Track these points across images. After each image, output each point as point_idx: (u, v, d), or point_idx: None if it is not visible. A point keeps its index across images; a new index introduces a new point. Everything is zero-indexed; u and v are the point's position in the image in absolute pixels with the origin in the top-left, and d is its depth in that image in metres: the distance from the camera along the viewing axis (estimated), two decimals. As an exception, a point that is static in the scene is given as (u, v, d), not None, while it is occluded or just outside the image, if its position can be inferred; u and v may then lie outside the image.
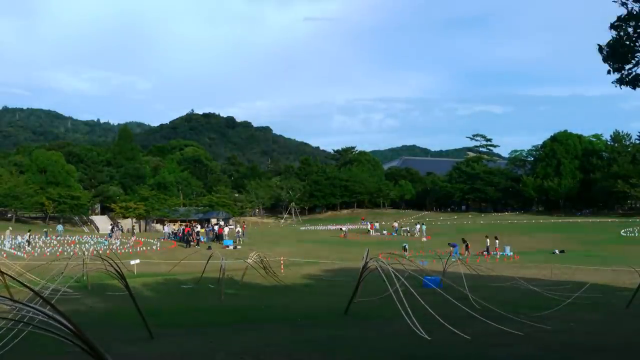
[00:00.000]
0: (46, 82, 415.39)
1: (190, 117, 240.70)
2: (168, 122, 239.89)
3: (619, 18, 7.36)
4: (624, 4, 7.18)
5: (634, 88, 7.47)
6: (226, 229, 46.83)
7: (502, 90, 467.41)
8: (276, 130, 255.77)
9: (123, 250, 34.48)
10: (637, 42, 7.24)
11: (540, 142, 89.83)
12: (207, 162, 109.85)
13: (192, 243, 39.85)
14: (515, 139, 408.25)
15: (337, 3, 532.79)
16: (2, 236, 37.91)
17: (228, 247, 39.77)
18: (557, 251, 35.61)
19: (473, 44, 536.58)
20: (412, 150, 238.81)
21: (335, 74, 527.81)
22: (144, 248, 36.92)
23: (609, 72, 7.57)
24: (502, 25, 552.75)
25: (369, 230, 56.91)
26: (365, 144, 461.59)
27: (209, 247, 36.76)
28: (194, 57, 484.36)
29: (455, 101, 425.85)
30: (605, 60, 7.51)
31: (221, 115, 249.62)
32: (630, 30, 7.25)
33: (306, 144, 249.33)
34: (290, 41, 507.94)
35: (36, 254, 31.52)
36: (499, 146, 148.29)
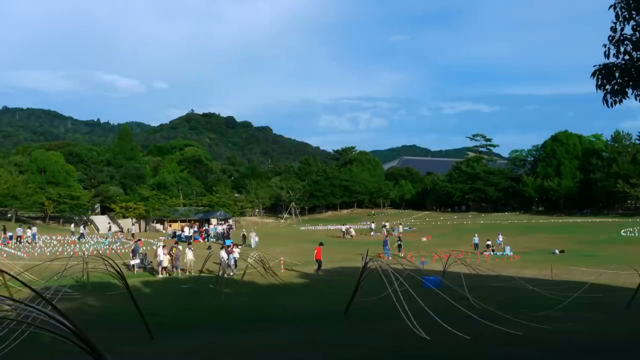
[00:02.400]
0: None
1: (190, 117, 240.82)
2: (168, 122, 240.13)
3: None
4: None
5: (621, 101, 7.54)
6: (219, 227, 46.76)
7: (487, 89, 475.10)
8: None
9: (123, 250, 34.48)
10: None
11: (536, 142, 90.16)
12: (207, 162, 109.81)
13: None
14: (505, 137, 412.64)
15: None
16: None
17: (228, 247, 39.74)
18: (557, 251, 35.59)
19: (448, 41, 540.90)
20: (412, 150, 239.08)
21: (310, 72, 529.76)
22: (144, 248, 36.87)
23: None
24: (477, 23, 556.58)
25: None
26: (364, 143, 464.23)
27: (209, 247, 36.75)
28: (159, 55, 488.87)
29: (439, 100, 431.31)
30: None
31: (221, 115, 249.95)
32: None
33: (306, 144, 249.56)
34: (255, 37, 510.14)
35: (36, 254, 31.53)
36: (498, 146, 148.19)
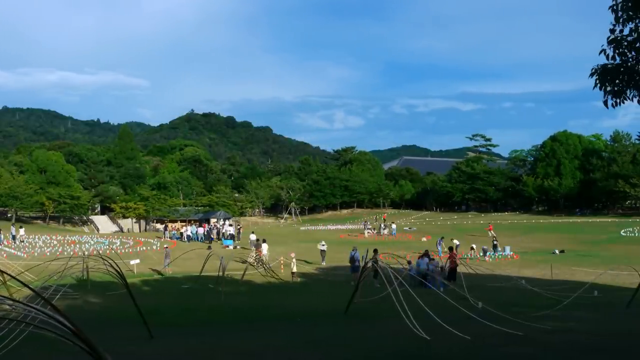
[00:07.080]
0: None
1: (190, 117, 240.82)
2: (168, 122, 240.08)
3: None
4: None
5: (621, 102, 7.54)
6: (229, 229, 46.71)
7: (457, 88, 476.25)
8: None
9: (123, 250, 34.48)
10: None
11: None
12: (207, 162, 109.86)
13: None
14: (491, 134, 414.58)
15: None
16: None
17: (228, 247, 39.77)
18: (557, 251, 35.58)
19: (390, 36, 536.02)
20: (412, 150, 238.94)
21: (254, 67, 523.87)
22: (144, 248, 36.91)
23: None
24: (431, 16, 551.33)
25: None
26: (363, 141, 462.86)
27: (209, 247, 36.75)
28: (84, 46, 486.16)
29: (413, 97, 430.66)
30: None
31: (221, 115, 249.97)
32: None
33: (306, 144, 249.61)
34: (180, 28, 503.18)
35: (36, 254, 31.51)
36: (498, 146, 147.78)
